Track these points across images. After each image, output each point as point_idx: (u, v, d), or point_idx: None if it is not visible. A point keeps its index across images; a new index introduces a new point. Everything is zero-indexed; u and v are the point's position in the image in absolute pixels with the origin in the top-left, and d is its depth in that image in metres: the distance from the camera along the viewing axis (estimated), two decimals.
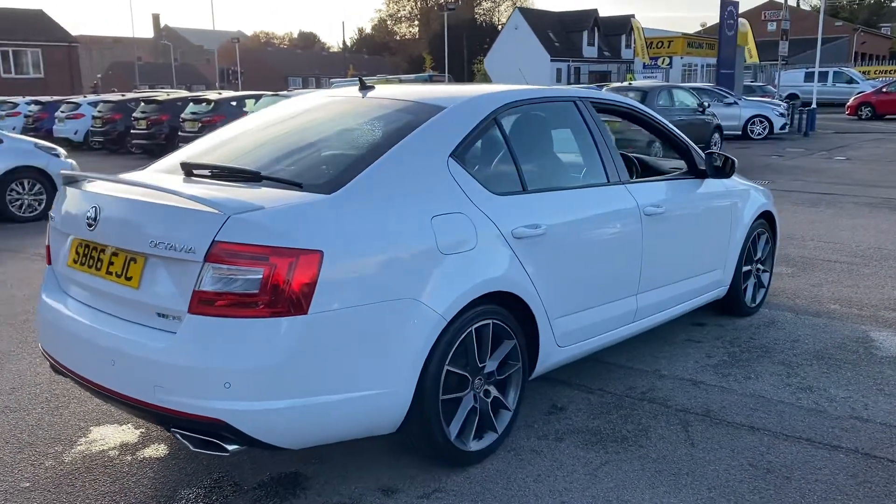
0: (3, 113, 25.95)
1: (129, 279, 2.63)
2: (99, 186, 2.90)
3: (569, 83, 46.96)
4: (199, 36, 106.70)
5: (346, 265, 2.52)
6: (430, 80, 40.16)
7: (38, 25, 41.76)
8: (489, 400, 3.08)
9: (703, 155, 4.39)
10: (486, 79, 53.65)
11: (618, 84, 17.45)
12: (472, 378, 3.00)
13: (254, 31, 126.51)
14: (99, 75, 78.91)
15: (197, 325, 2.41)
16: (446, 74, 39.92)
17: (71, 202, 2.97)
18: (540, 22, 53.65)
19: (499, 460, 3.11)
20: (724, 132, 17.13)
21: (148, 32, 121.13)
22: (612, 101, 4.06)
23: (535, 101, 3.57)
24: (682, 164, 4.50)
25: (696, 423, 3.43)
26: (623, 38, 54.75)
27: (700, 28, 65.24)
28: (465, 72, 67.27)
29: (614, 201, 3.66)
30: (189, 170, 2.95)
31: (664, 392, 3.78)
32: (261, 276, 2.37)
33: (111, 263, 2.71)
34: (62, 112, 22.24)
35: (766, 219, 5.07)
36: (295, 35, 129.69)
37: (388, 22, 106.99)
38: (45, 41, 41.37)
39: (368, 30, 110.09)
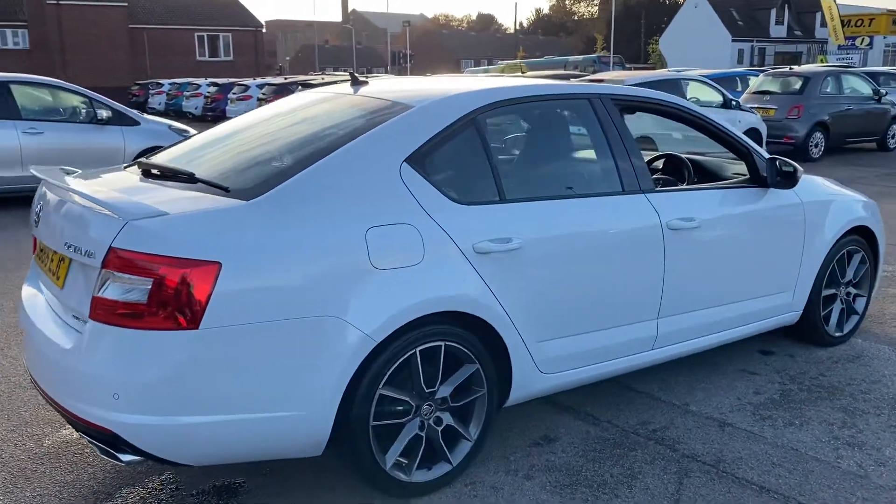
0: (188, 94, 28.29)
1: (58, 278, 2.65)
2: (47, 183, 2.93)
3: (751, 65, 43.77)
4: (383, 19, 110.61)
5: (250, 278, 2.36)
6: (598, 62, 38.99)
7: (230, 11, 45.03)
8: (440, 428, 2.83)
9: (765, 160, 3.79)
10: (660, 60, 51.30)
11: (785, 68, 15.88)
12: (418, 404, 2.76)
13: (434, 13, 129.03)
14: (287, 58, 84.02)
15: (94, 332, 2.37)
16: (611, 56, 38.49)
17: (36, 197, 3.04)
18: None
19: (450, 494, 2.85)
20: None
21: (338, 16, 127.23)
22: (643, 98, 3.58)
23: (531, 99, 3.21)
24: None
25: (697, 475, 2.97)
26: (818, 15, 50.13)
27: None
28: (641, 53, 64.79)
29: (626, 213, 3.23)
30: (145, 169, 2.92)
31: (679, 432, 3.32)
32: (150, 287, 2.28)
33: (51, 260, 2.75)
34: (234, 94, 23.81)
35: (864, 235, 4.33)
36: (473, 17, 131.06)
37: (567, 1, 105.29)
38: (236, 26, 44.54)
39: (546, 10, 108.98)
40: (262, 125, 3.30)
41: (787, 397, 3.67)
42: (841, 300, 4.33)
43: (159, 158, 3.15)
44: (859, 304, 4.43)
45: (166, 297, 2.28)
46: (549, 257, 2.99)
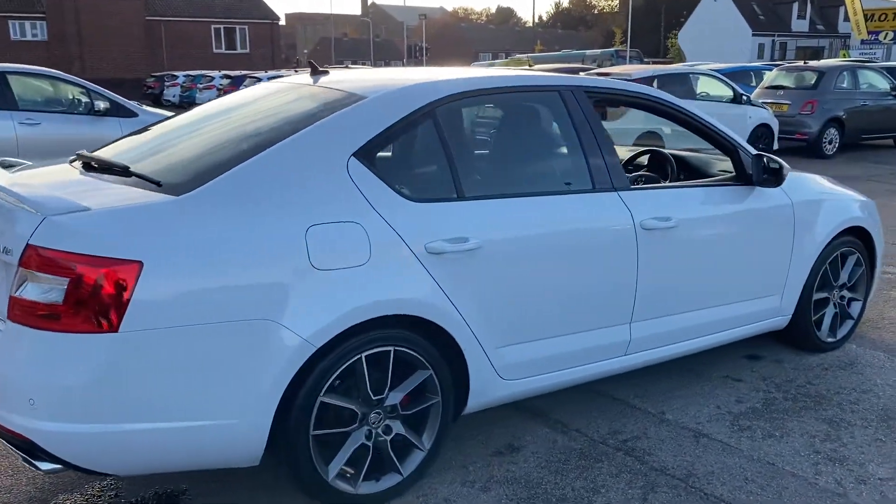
0: (202, 86, 28.31)
1: None
2: None
3: (772, 60, 43.11)
4: (402, 12, 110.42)
5: (176, 279, 2.23)
6: (615, 56, 38.53)
7: (247, 4, 45.01)
8: (390, 437, 2.68)
9: (752, 157, 3.59)
10: (679, 55, 50.69)
11: (799, 63, 15.54)
12: (364, 412, 2.61)
13: (453, 6, 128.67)
14: (305, 50, 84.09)
15: (11, 333, 2.24)
16: (628, 50, 38.06)
17: None
18: None
19: None
20: None
21: (358, 10, 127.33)
22: (619, 91, 3.39)
23: (495, 91, 3.04)
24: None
25: (664, 490, 2.80)
26: (841, 10, 49.22)
27: None
28: (660, 47, 64.12)
29: (596, 212, 3.06)
30: (85, 162, 2.80)
31: (651, 443, 3.15)
32: (67, 287, 2.15)
33: None
34: (245, 86, 23.77)
35: (860, 236, 4.13)
36: (493, 10, 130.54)
37: None
38: (252, 19, 44.55)
39: (566, 3, 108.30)
40: (215, 117, 3.16)
41: (770, 407, 3.49)
42: (834, 304, 4.12)
43: (104, 150, 3.02)
44: (854, 309, 4.23)
45: (84, 298, 2.15)
46: (511, 258, 2.83)
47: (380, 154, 2.69)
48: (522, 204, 2.91)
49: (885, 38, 36.01)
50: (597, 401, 3.54)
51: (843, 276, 4.13)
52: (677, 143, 4.92)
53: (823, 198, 3.94)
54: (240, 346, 2.31)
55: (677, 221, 3.25)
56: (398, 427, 2.69)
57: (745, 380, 3.78)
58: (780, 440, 3.18)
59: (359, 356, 2.53)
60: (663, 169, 3.95)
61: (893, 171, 11.63)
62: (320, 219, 2.46)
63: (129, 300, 2.17)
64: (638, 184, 3.80)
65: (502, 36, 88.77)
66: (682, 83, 11.28)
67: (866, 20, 34.62)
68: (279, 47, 45.84)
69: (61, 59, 36.83)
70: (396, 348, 2.61)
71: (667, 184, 3.55)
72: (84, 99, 9.28)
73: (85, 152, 2.87)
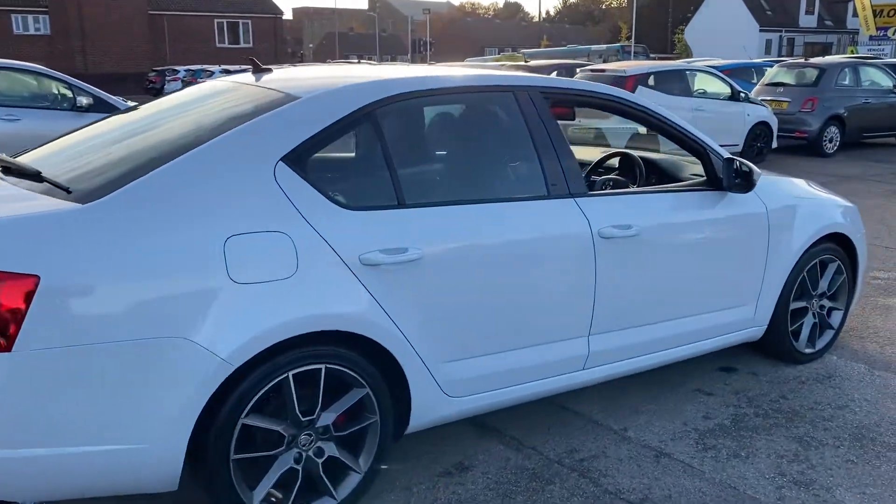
0: (202, 80, 28.19)
1: None
2: None
3: (779, 56, 42.70)
4: (410, 7, 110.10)
5: (77, 294, 2.08)
6: (621, 51, 38.19)
7: None
8: (322, 460, 2.53)
9: (723, 160, 3.41)
10: (686, 50, 50.31)
11: (795, 59, 15.27)
12: (293, 433, 2.46)
13: (461, 2, 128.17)
14: (311, 45, 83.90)
15: None
16: (633, 45, 37.74)
17: None
18: None
19: None
20: None
21: (366, 4, 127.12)
22: (579, 91, 3.22)
23: (442, 91, 2.87)
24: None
25: None
26: (850, 5, 48.71)
27: None
28: (667, 42, 63.69)
29: (549, 220, 2.89)
30: (4, 166, 2.65)
31: (609, 463, 2.99)
32: None
33: None
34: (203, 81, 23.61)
35: (839, 243, 3.95)
36: (500, 5, 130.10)
37: None
38: (256, 13, 44.39)
39: None
40: (147, 119, 3.00)
41: (739, 423, 3.32)
42: (813, 314, 3.95)
43: (26, 154, 2.87)
44: (835, 318, 4.05)
45: None
46: (455, 270, 2.67)
47: (312, 159, 2.53)
48: (469, 211, 2.74)
49: (893, 35, 35.60)
50: (558, 415, 3.38)
51: (823, 285, 3.95)
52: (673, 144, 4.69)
53: (800, 203, 3.76)
54: (150, 366, 2.16)
55: (639, 229, 3.08)
56: (331, 449, 2.54)
57: (717, 394, 3.61)
58: (745, 461, 3.01)
59: (285, 375, 2.38)
60: (633, 173, 3.78)
61: (895, 170, 11.40)
62: (241, 228, 2.30)
63: (23, 317, 2.02)
64: (606, 188, 3.64)
65: (508, 31, 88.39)
66: (679, 80, 11.06)
67: (875, 16, 34.24)
68: (283, 41, 45.71)
69: (64, 54, 36.77)
70: (328, 366, 2.45)
71: (630, 189, 3.38)
72: (67, 94, 9.15)
73: (4, 156, 2.71)
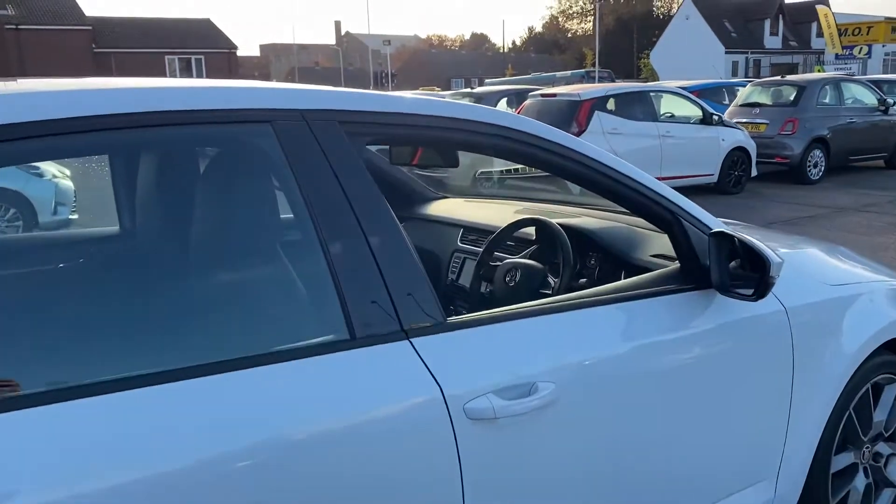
0: None
1: None
2: None
3: (746, 77, 42.05)
4: (376, 41, 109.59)
5: None
6: (586, 77, 37.24)
7: (203, 33, 43.47)
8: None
9: (706, 233, 1.87)
10: (652, 74, 49.65)
11: (775, 78, 13.98)
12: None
13: (427, 34, 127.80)
14: (274, 81, 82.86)
15: None
16: (597, 70, 36.84)
17: None
18: (715, 10, 48.68)
19: None
20: None
21: (333, 39, 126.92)
22: (428, 116, 1.64)
23: (127, 122, 1.30)
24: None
25: None
26: (814, 25, 48.48)
27: None
28: (633, 67, 63.35)
29: (344, 393, 1.32)
30: None
31: None
32: None
33: None
34: None
35: None
36: (467, 37, 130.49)
37: (560, 18, 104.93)
38: (208, 48, 42.99)
39: (539, 28, 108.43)
40: None
41: None
42: (865, 470, 2.40)
43: None
44: None
45: None
46: None
47: None
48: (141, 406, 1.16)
49: (859, 53, 35.15)
50: None
51: (880, 420, 2.41)
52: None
53: (841, 293, 2.22)
54: None
55: (554, 391, 1.51)
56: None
57: None
58: None
59: None
60: (556, 253, 2.21)
61: (890, 197, 10.01)
62: None
63: None
64: (511, 282, 2.10)
65: (474, 61, 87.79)
66: (643, 103, 9.64)
67: (840, 35, 33.79)
68: (238, 77, 44.24)
69: None
70: None
71: (536, 304, 1.78)
72: None
73: None
